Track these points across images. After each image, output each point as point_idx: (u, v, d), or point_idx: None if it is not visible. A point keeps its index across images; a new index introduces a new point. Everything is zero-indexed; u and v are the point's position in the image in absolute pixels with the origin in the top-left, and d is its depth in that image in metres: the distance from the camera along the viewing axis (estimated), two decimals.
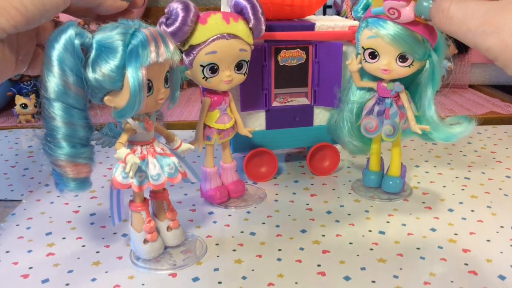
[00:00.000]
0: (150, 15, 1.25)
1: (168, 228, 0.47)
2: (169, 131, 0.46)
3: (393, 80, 0.53)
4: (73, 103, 0.37)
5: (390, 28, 0.48)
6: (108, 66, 0.36)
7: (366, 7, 0.52)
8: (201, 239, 0.50)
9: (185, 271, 0.45)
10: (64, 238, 0.50)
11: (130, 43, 0.36)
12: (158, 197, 0.46)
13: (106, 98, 0.38)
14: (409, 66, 0.50)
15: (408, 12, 0.44)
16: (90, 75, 0.37)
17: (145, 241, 0.44)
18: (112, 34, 0.36)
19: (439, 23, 0.35)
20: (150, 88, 0.39)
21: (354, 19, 0.58)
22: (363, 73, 0.54)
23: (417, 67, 0.51)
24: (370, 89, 0.55)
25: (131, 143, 0.42)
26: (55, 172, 0.39)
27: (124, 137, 0.41)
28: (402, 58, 0.50)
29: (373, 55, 0.51)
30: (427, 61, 0.51)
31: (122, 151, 0.40)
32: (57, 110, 0.37)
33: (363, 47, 0.51)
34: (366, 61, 0.52)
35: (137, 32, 0.36)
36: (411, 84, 0.54)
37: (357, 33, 0.52)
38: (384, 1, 0.45)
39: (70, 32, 0.36)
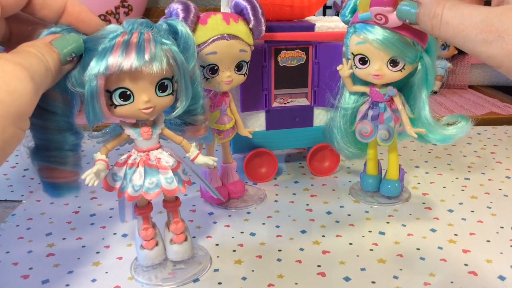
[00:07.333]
0: (150, 15, 1.25)
1: (171, 241, 0.44)
2: (184, 140, 0.42)
3: (386, 84, 0.52)
4: (56, 110, 0.35)
5: (378, 33, 0.47)
6: (87, 72, 0.34)
7: (354, 11, 0.51)
8: (207, 258, 0.46)
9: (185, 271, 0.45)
10: (64, 239, 0.50)
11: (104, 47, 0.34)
12: (166, 206, 0.44)
13: None
14: (400, 70, 0.49)
15: (395, 17, 0.43)
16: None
17: (141, 247, 0.43)
18: (98, 35, 0.34)
19: (432, 29, 0.34)
20: (129, 97, 0.36)
21: None
22: (355, 78, 0.53)
23: (409, 70, 0.50)
24: (363, 94, 0.54)
25: (134, 148, 0.41)
26: (42, 179, 0.37)
27: (112, 142, 0.39)
28: (393, 62, 0.49)
29: (363, 60, 0.50)
30: (419, 63, 0.50)
31: (97, 155, 0.38)
32: (43, 117, 0.35)
33: (352, 53, 0.50)
34: (356, 67, 0.51)
35: (115, 38, 0.34)
36: (404, 86, 0.53)
37: (346, 38, 0.51)
38: (371, 8, 0.44)
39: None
